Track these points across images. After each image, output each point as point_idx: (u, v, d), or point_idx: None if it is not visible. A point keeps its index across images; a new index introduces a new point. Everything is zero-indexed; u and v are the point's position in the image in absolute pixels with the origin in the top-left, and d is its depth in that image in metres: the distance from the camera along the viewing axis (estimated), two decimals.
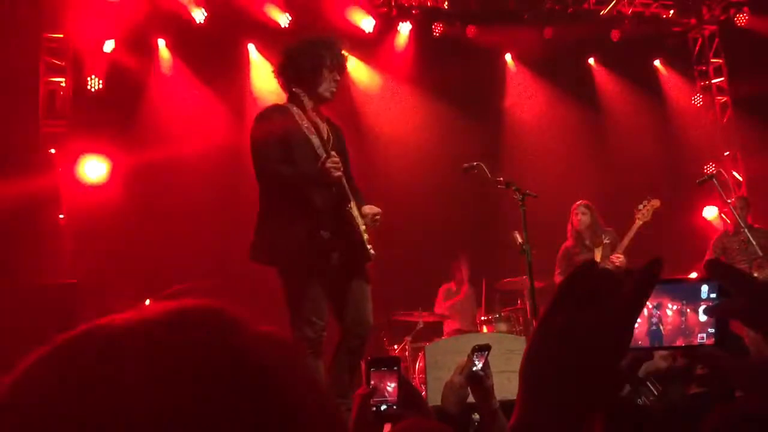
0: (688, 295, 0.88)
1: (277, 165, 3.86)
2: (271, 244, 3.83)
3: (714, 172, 5.95)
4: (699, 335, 0.87)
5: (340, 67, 4.10)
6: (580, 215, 6.50)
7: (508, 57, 9.53)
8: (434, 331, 7.68)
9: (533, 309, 4.64)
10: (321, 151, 3.88)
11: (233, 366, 0.54)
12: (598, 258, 6.41)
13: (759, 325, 0.85)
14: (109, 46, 7.95)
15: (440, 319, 7.71)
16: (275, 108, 4.11)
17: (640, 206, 6.28)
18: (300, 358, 0.62)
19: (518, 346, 4.25)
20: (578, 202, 6.65)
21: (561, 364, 0.77)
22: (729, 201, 6.22)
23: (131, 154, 8.05)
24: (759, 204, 9.15)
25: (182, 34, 8.19)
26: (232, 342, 0.56)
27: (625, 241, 6.30)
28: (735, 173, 9.51)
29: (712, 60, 9.78)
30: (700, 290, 0.88)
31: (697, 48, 9.89)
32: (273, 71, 4.20)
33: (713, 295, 0.87)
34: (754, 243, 6.00)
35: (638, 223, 6.26)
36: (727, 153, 9.58)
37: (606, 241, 6.46)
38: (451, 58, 9.07)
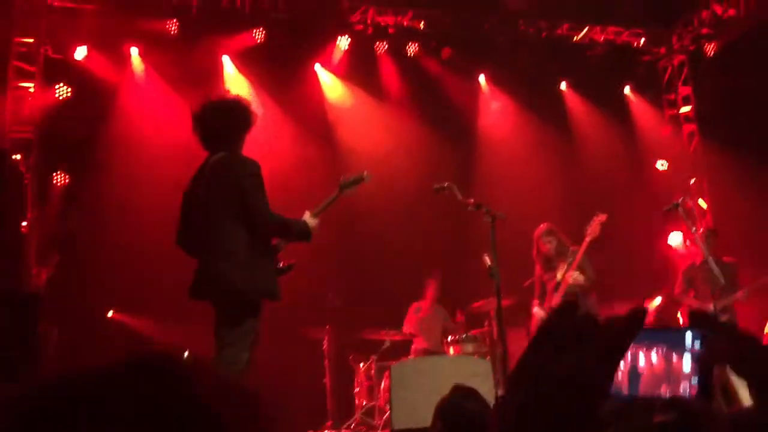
0: (672, 342, 0.87)
1: (279, 213, 4.07)
2: (251, 279, 3.91)
3: (680, 201, 6.04)
4: (682, 384, 0.87)
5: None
6: (547, 244, 6.56)
7: (481, 78, 9.61)
8: (401, 350, 7.67)
9: (500, 331, 4.65)
10: None
11: (187, 416, 0.53)
12: (559, 276, 6.47)
13: (742, 371, 0.85)
14: (80, 53, 7.87)
15: (407, 338, 7.70)
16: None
17: (589, 223, 6.42)
18: (259, 407, 0.61)
19: (483, 369, 4.26)
20: (542, 228, 6.69)
21: (538, 410, 0.74)
22: (693, 229, 6.33)
23: (98, 163, 7.98)
24: (722, 230, 9.34)
25: (156, 44, 8.14)
26: (186, 391, 0.55)
27: (577, 258, 6.41)
28: (700, 200, 9.67)
29: (680, 89, 9.97)
30: (684, 338, 0.87)
31: (666, 77, 10.07)
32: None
33: (697, 344, 0.87)
34: (716, 272, 6.12)
35: (587, 239, 6.41)
36: (693, 180, 9.75)
37: (570, 259, 6.53)
38: (425, 78, 9.14)
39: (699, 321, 0.86)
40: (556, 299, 6.44)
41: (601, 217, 6.42)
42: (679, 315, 7.18)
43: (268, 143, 8.44)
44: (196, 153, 8.26)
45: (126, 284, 7.84)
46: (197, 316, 7.79)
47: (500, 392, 4.08)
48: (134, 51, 8.20)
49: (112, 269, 7.87)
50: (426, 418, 4.09)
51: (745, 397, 3.44)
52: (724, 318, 6.76)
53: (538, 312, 6.66)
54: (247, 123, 4.17)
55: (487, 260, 4.84)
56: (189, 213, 4.09)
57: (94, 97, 8.02)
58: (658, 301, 8.38)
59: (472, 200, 5.06)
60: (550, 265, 6.61)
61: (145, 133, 8.17)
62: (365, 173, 4.64)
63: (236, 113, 4.14)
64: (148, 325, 8.20)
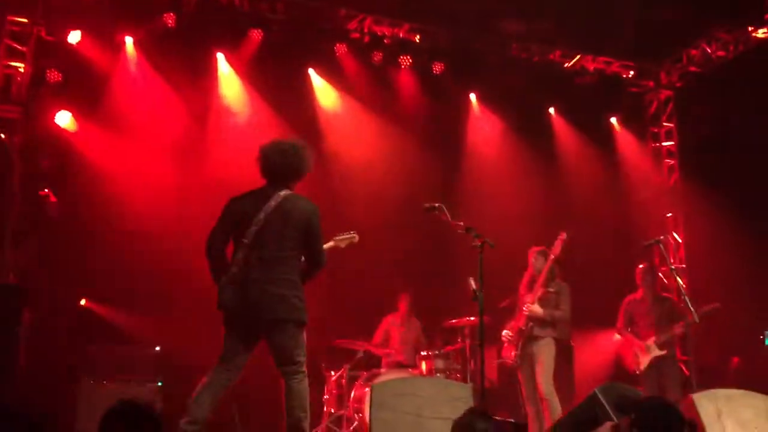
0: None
1: None
2: (305, 307, 4.41)
3: (661, 238, 6.19)
4: None
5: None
6: (535, 263, 6.67)
7: (472, 97, 9.70)
8: (374, 361, 7.71)
9: (482, 352, 4.72)
10: None
11: None
12: (526, 309, 6.53)
13: None
14: (74, 37, 7.78)
15: (381, 350, 7.74)
16: None
17: (551, 246, 6.54)
18: None
19: (464, 393, 4.30)
20: (536, 248, 6.81)
21: None
22: (672, 266, 6.49)
23: (82, 150, 7.91)
24: (694, 267, 9.54)
25: (152, 35, 8.08)
26: None
27: (539, 279, 6.50)
28: (675, 235, 9.86)
29: (664, 123, 10.15)
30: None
31: (651, 110, 10.24)
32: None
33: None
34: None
35: (551, 258, 6.54)
36: (670, 215, 9.93)
37: (551, 289, 6.62)
38: (417, 91, 9.19)
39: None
40: (521, 318, 6.56)
41: (563, 237, 6.55)
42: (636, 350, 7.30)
43: (256, 143, 8.41)
44: (184, 147, 8.27)
45: (101, 274, 7.78)
46: (168, 309, 7.79)
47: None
48: (129, 40, 8.12)
49: (87, 257, 7.80)
50: None
51: None
52: (663, 351, 7.04)
53: (506, 334, 6.71)
54: (302, 170, 4.59)
55: (473, 284, 4.89)
56: (245, 231, 4.36)
57: (84, 83, 7.93)
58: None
59: (462, 223, 5.12)
60: (532, 285, 6.69)
61: (133, 123, 8.11)
62: (354, 235, 5.30)
63: (295, 159, 4.54)
64: (120, 315, 8.13)
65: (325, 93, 9.08)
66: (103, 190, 7.86)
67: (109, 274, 7.75)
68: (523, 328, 6.50)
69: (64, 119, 7.80)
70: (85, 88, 7.96)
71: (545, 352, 6.44)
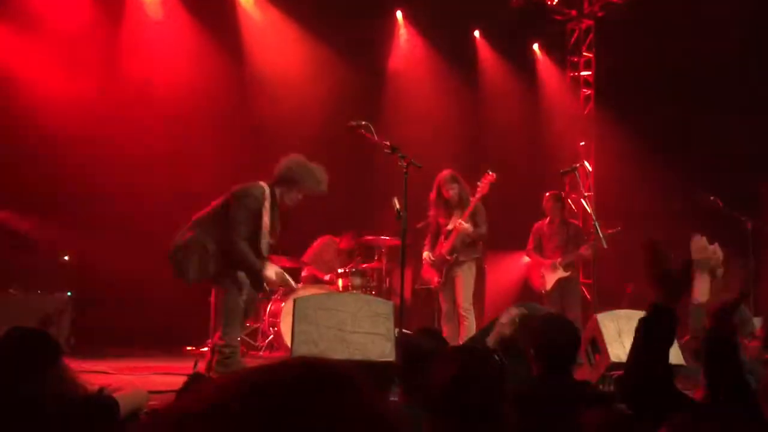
0: None
1: None
2: None
3: (577, 165, 6.38)
4: None
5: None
6: (450, 190, 6.69)
7: (398, 14, 9.54)
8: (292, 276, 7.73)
9: (402, 271, 4.80)
10: None
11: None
12: (451, 225, 6.67)
13: None
14: None
15: (299, 265, 7.76)
16: None
17: (480, 179, 6.66)
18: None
19: (386, 310, 4.40)
20: (445, 174, 6.79)
21: None
22: (586, 194, 6.73)
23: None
24: (602, 193, 9.93)
25: None
26: (367, 408, 0.58)
27: (468, 209, 6.65)
28: (586, 163, 10.19)
29: (584, 53, 10.31)
30: None
31: (573, 39, 10.37)
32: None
33: None
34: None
35: (478, 195, 6.64)
36: (583, 143, 10.23)
37: (464, 209, 6.75)
38: (342, 5, 8.94)
39: None
40: (446, 246, 6.67)
41: (491, 177, 6.63)
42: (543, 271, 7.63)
43: (176, 54, 8.09)
44: (103, 50, 7.83)
45: (5, 179, 7.41)
46: (77, 217, 7.55)
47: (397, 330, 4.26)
48: None
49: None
50: (324, 352, 4.21)
51: (614, 352, 3.77)
52: (567, 273, 7.42)
53: (428, 256, 6.85)
54: (295, 186, 5.23)
55: (396, 204, 4.93)
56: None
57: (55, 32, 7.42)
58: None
59: (388, 143, 5.10)
60: (448, 211, 6.77)
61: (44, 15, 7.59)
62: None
63: (297, 175, 5.21)
64: (28, 223, 7.82)
65: (249, 4, 8.73)
66: (18, 95, 7.40)
67: (20, 181, 7.39)
68: (448, 257, 6.63)
69: None
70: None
71: (467, 274, 6.64)
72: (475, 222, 6.68)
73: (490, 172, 6.64)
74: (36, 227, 7.64)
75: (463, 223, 6.57)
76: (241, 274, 4.99)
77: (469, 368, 1.96)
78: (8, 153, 7.35)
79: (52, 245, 7.52)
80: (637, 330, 2.06)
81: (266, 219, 5.06)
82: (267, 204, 5.08)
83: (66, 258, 7.49)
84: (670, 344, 2.02)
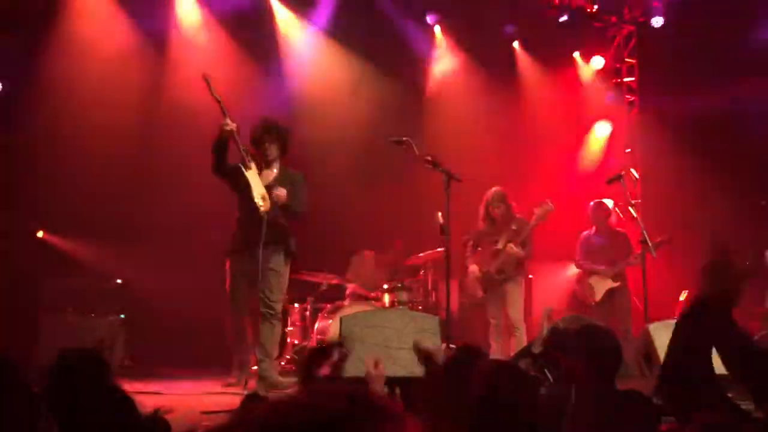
0: None
1: None
2: None
3: (623, 173, 6.29)
4: None
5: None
6: (496, 209, 6.72)
7: (437, 29, 9.57)
8: (337, 293, 7.78)
9: (447, 286, 4.79)
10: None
11: None
12: (501, 244, 6.66)
13: None
14: None
15: (343, 282, 7.79)
16: None
17: (539, 206, 6.62)
18: None
19: (431, 325, 4.39)
20: (493, 192, 6.83)
21: None
22: (632, 201, 6.62)
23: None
24: (649, 200, 9.73)
25: None
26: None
27: (523, 235, 6.63)
28: (632, 170, 10.00)
29: (626, 59, 10.17)
30: None
31: (614, 46, 10.24)
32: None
33: None
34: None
35: (534, 222, 6.63)
36: (629, 150, 10.06)
37: (513, 227, 6.73)
38: (379, 20, 9.00)
39: None
40: (494, 265, 6.67)
41: (551, 207, 6.60)
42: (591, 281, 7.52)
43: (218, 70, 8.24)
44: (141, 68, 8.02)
45: (58, 205, 7.61)
46: (128, 241, 7.70)
47: (447, 347, 4.24)
48: None
49: (45, 188, 7.63)
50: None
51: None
52: (617, 283, 7.27)
53: (473, 271, 6.85)
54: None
55: (440, 218, 4.94)
56: None
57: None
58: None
59: (429, 158, 5.12)
60: (494, 228, 6.79)
61: (90, 40, 7.81)
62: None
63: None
64: (78, 247, 8.02)
65: (291, 27, 8.84)
66: (64, 117, 7.62)
67: (68, 206, 7.59)
68: (497, 276, 6.63)
69: None
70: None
71: (517, 289, 6.67)
72: (523, 242, 6.69)
73: (550, 203, 6.60)
74: (90, 251, 7.84)
75: (513, 247, 6.57)
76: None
77: (499, 388, 1.93)
78: (58, 175, 7.55)
79: (105, 268, 7.69)
80: (677, 326, 1.93)
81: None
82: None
83: (119, 281, 7.65)
84: (716, 346, 1.91)
